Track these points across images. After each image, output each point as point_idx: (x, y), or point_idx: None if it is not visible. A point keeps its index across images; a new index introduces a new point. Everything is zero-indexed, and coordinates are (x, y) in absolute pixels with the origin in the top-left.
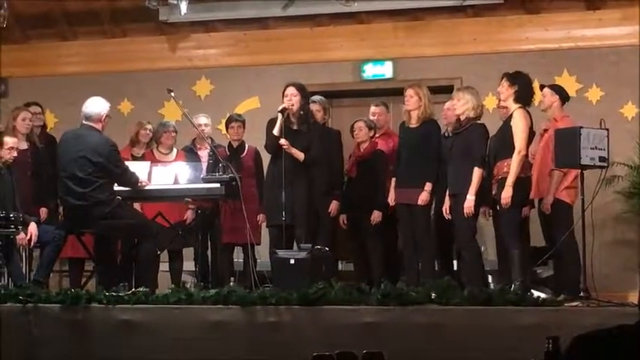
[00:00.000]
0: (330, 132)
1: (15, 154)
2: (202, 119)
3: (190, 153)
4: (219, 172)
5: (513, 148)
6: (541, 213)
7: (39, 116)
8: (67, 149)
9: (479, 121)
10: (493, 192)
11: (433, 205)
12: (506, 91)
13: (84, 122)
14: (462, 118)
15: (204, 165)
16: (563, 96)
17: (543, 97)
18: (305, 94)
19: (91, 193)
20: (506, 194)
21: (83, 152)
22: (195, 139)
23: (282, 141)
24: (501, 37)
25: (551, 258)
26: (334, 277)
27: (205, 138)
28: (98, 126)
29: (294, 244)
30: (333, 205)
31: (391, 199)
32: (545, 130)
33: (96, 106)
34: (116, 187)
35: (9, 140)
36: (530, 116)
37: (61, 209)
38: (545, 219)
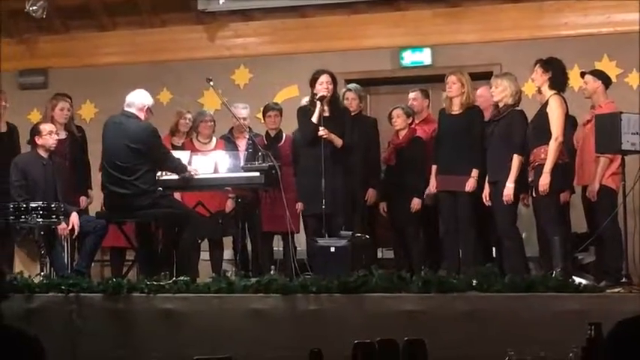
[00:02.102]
0: (366, 120)
1: (56, 137)
2: (241, 109)
3: (228, 142)
4: (258, 160)
5: (550, 134)
6: (585, 199)
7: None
8: (109, 137)
9: (517, 108)
10: (530, 179)
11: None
12: (540, 77)
13: (125, 109)
14: (501, 105)
15: (242, 154)
16: (606, 81)
17: (585, 83)
18: (335, 80)
19: (135, 182)
20: (544, 181)
21: (125, 139)
22: (232, 128)
23: (321, 132)
24: (540, 22)
25: (592, 244)
26: (374, 265)
27: (245, 127)
28: (139, 114)
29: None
30: (370, 193)
31: (432, 187)
32: (589, 120)
33: (139, 95)
34: (164, 177)
35: (46, 127)
36: (566, 102)
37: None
38: (590, 205)
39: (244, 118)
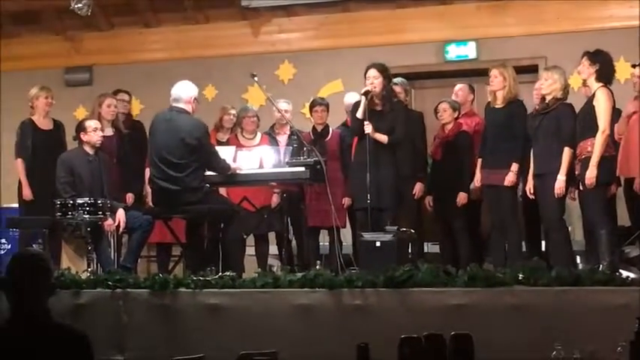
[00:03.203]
0: (412, 114)
1: (101, 133)
2: (283, 104)
3: (270, 138)
4: (303, 155)
5: (596, 127)
6: (627, 192)
7: (125, 104)
8: (160, 132)
9: (566, 101)
10: (576, 172)
11: (520, 186)
12: (587, 70)
13: (173, 105)
14: (549, 98)
15: (282, 149)
16: None
17: (638, 77)
18: (387, 74)
19: (185, 179)
20: (591, 174)
21: (178, 135)
22: (274, 124)
23: (367, 129)
24: (585, 15)
25: (638, 237)
26: (420, 259)
27: (286, 119)
28: (188, 108)
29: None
30: (418, 188)
31: (477, 181)
32: (634, 112)
33: (185, 88)
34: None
35: (91, 123)
36: (613, 94)
37: (148, 196)
38: (633, 198)
39: (286, 111)
